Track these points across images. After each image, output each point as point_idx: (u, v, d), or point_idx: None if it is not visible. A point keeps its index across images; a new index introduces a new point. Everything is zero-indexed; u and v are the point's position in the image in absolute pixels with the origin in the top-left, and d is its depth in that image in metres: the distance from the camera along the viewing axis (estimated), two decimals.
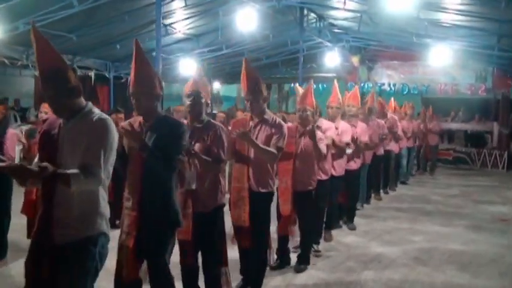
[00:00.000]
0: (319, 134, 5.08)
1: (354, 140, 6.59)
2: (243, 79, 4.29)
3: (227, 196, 4.26)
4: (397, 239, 6.60)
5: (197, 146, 3.74)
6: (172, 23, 11.05)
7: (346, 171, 6.65)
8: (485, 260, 5.77)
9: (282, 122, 4.42)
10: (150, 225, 3.22)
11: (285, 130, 4.34)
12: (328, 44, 13.48)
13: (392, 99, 11.33)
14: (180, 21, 11.11)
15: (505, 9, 8.20)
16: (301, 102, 5.13)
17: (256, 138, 4.25)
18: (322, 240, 6.04)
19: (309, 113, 5.06)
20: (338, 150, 6.04)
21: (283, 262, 5.27)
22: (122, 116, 6.95)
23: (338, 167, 6.21)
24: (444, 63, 13.14)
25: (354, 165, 6.92)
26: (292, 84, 17.96)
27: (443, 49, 11.24)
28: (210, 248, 3.91)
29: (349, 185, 6.86)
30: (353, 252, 5.93)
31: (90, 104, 2.83)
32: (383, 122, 9.25)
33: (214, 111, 13.75)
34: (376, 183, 9.55)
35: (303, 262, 5.27)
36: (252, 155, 4.28)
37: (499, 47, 10.45)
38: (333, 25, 13.04)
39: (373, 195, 9.38)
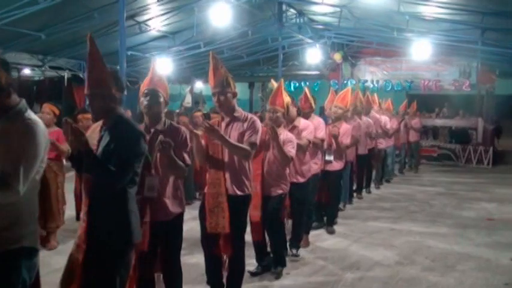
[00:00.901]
0: (288, 135, 4.82)
1: (336, 138, 6.35)
2: (210, 72, 4.04)
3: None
4: (378, 242, 6.28)
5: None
6: (146, 20, 10.64)
7: (328, 172, 6.43)
8: (471, 263, 5.46)
9: (255, 117, 4.16)
10: (98, 238, 2.91)
11: (259, 125, 4.07)
12: (309, 40, 13.16)
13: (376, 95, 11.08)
14: (155, 18, 10.71)
15: (488, 0, 7.96)
16: (272, 103, 4.83)
17: (229, 137, 3.98)
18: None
19: (279, 114, 4.79)
20: (314, 147, 5.81)
21: (264, 268, 5.00)
22: (88, 116, 6.70)
23: (313, 165, 5.96)
24: (427, 58, 12.93)
25: (337, 165, 6.65)
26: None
27: (426, 44, 10.96)
28: (172, 257, 3.67)
29: (330, 186, 6.61)
30: (331, 257, 5.59)
31: (23, 103, 2.53)
32: (371, 120, 9.04)
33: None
34: (358, 183, 9.35)
35: (279, 264, 4.99)
36: (226, 157, 4.02)
37: (483, 41, 10.21)
38: (313, 21, 12.70)
39: (355, 194, 9.13)
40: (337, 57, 15.11)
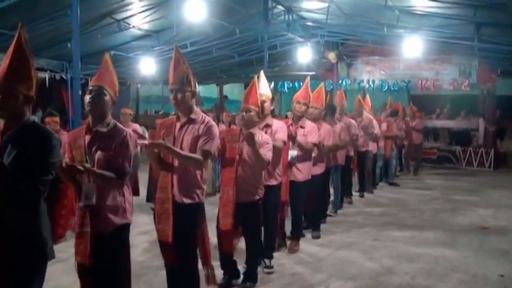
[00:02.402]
0: (264, 136, 4.46)
1: (318, 144, 5.91)
2: (171, 67, 3.75)
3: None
4: (357, 254, 5.74)
5: (98, 155, 3.19)
6: (125, 18, 10.15)
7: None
8: (455, 280, 4.90)
9: (212, 122, 3.80)
10: (10, 257, 2.60)
11: (215, 131, 3.73)
12: (301, 39, 12.63)
13: (368, 96, 10.59)
14: (135, 16, 10.22)
15: None
16: (245, 102, 4.49)
17: (182, 141, 3.69)
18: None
19: (252, 113, 4.44)
20: (303, 151, 5.56)
21: (231, 277, 4.65)
22: (56, 119, 6.43)
23: (304, 171, 5.66)
24: (423, 56, 12.42)
25: (318, 169, 6.23)
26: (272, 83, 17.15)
27: (418, 41, 10.37)
28: (110, 274, 3.25)
29: (311, 191, 6.09)
30: (301, 272, 5.09)
31: None
32: (354, 121, 8.54)
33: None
34: (348, 186, 8.88)
35: (250, 279, 4.61)
36: (175, 161, 3.68)
37: (479, 38, 9.61)
38: (303, 18, 12.15)
39: (344, 198, 8.65)
40: (332, 56, 14.61)
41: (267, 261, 5.13)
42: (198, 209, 3.79)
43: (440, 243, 6.27)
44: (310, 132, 5.64)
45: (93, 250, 3.13)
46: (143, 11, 10.02)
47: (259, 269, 4.94)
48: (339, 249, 5.95)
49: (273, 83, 16.97)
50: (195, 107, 3.82)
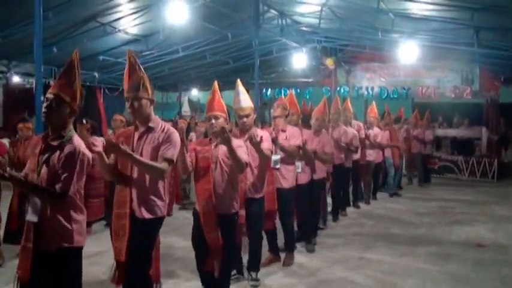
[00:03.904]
0: (235, 141, 4.13)
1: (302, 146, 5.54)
2: (126, 74, 3.59)
3: None
4: (336, 277, 5.26)
5: (43, 169, 3.01)
6: (111, 22, 9.80)
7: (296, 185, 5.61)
8: None
9: (173, 129, 3.56)
10: None
11: (176, 138, 3.54)
12: (296, 45, 12.22)
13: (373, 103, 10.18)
14: (121, 19, 9.88)
15: None
16: (210, 109, 4.21)
17: (141, 152, 3.51)
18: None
19: (221, 120, 4.15)
20: (287, 155, 5.29)
21: None
22: (29, 125, 6.10)
23: (289, 178, 5.39)
24: (423, 63, 11.98)
25: (304, 177, 5.88)
26: (269, 90, 16.80)
27: (414, 46, 9.90)
28: None
29: (297, 202, 5.76)
30: None
31: None
32: (351, 129, 8.11)
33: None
34: (344, 198, 8.50)
35: None
36: (135, 173, 3.51)
37: (479, 43, 9.15)
38: (297, 23, 11.74)
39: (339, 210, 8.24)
40: (329, 62, 14.22)
41: (253, 274, 4.87)
42: (158, 225, 3.57)
43: (431, 262, 5.80)
44: (293, 136, 5.40)
45: (37, 268, 2.96)
46: (129, 15, 9.69)
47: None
48: (317, 271, 5.45)
49: (269, 90, 16.60)
50: (153, 115, 3.60)
